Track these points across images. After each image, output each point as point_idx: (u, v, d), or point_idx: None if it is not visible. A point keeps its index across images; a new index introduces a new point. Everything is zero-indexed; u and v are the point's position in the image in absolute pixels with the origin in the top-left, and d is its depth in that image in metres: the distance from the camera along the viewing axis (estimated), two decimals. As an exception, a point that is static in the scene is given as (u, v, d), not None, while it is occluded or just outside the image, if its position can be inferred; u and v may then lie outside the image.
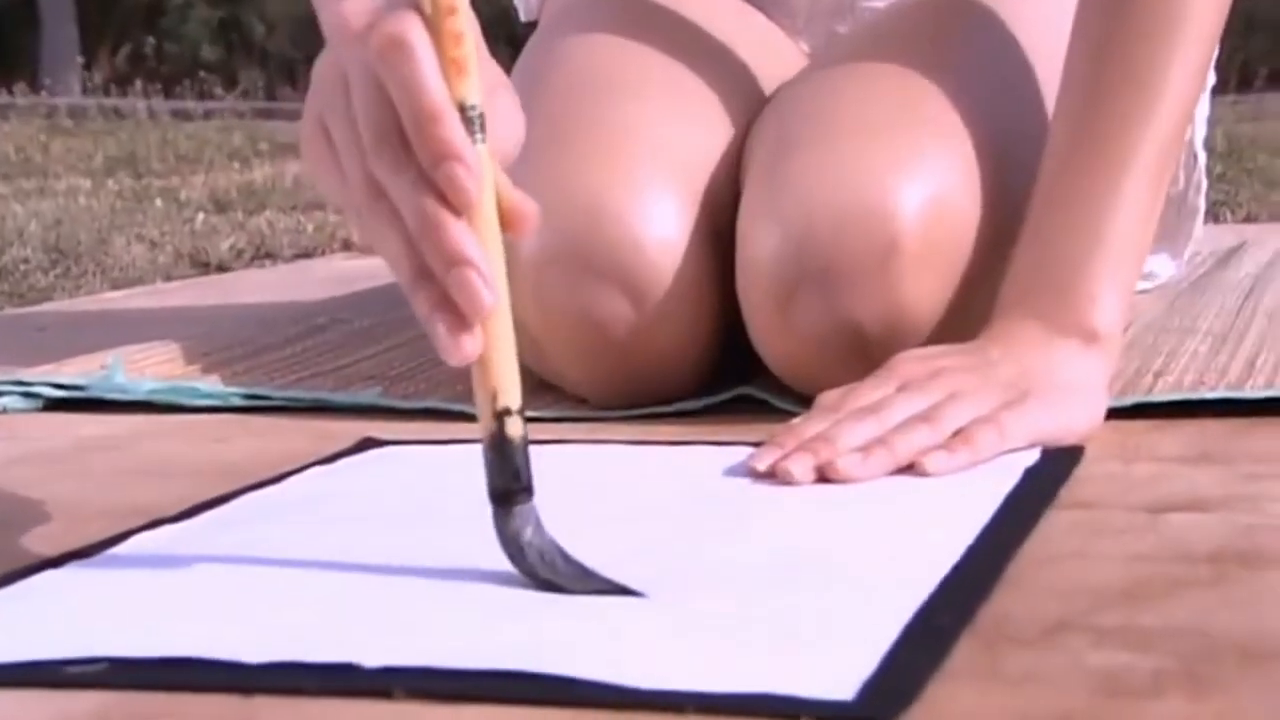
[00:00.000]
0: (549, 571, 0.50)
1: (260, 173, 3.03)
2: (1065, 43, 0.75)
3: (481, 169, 0.48)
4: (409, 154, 0.48)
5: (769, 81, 0.89)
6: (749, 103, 0.87)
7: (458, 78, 0.48)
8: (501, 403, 0.50)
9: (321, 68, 0.50)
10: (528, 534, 0.50)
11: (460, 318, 0.48)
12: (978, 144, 0.78)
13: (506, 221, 0.50)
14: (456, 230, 0.48)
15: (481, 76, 0.50)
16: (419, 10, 0.48)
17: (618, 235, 0.78)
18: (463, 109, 0.48)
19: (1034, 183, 0.73)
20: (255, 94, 7.70)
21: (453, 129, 0.48)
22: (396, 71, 0.48)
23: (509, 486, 0.50)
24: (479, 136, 0.49)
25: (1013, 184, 0.78)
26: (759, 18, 0.95)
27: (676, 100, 0.84)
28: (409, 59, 0.47)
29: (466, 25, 0.49)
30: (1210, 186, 1.01)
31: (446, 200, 0.48)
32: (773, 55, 0.92)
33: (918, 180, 0.76)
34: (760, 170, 0.79)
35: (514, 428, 0.50)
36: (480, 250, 0.48)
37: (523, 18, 1.08)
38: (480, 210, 0.49)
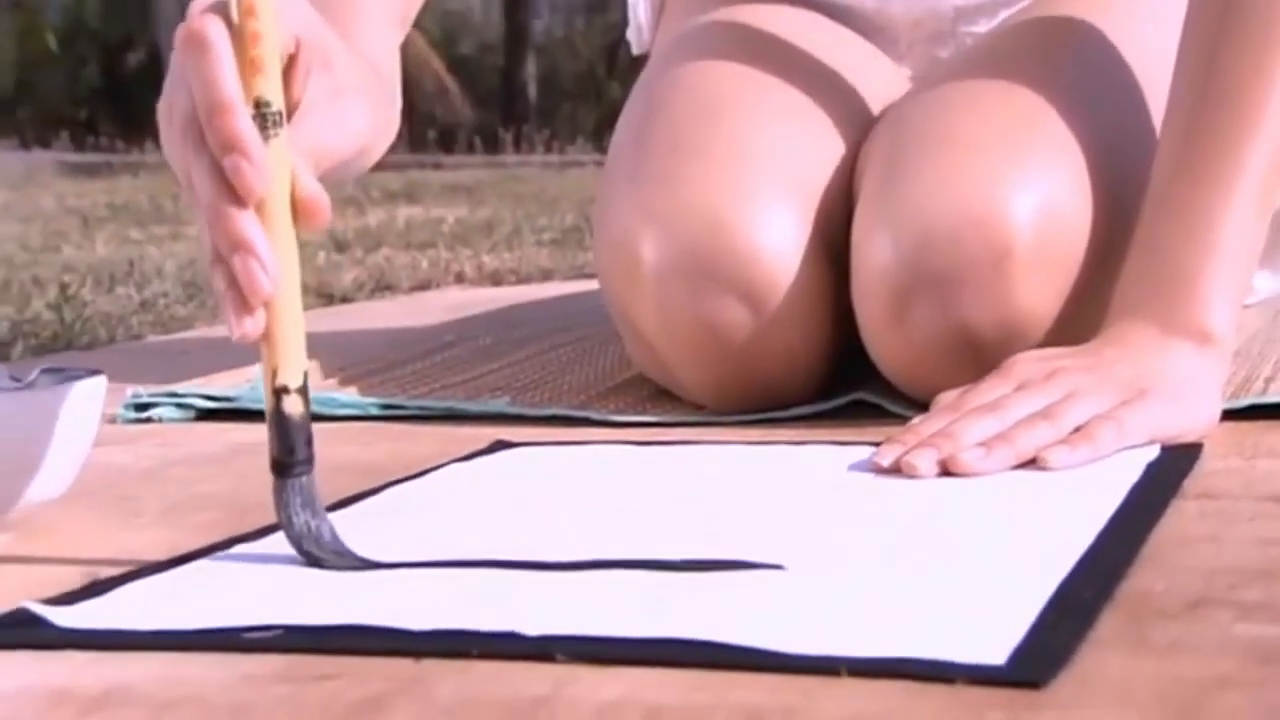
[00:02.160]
0: (311, 544, 0.51)
1: (374, 217, 3.06)
2: (1171, 54, 0.73)
3: (268, 163, 0.50)
4: (205, 142, 0.50)
5: (876, 103, 0.89)
6: (858, 122, 0.87)
7: (253, 76, 0.50)
8: (280, 380, 0.52)
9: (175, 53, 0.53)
10: (296, 504, 0.51)
11: (244, 299, 0.49)
12: (1087, 153, 0.77)
13: (299, 213, 0.51)
14: (241, 218, 0.49)
15: (332, 79, 0.53)
16: (225, 11, 0.50)
17: (736, 245, 0.78)
18: (258, 105, 0.50)
19: (1143, 190, 0.72)
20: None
21: (239, 122, 0.49)
22: (194, 65, 0.50)
23: (284, 459, 0.52)
24: (273, 132, 0.50)
25: (1122, 192, 0.76)
26: (864, 44, 0.94)
27: (790, 120, 0.84)
28: (204, 54, 0.50)
29: (267, 27, 0.51)
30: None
31: (234, 189, 0.49)
32: (878, 79, 0.92)
33: (1029, 188, 0.75)
34: (874, 182, 0.78)
35: (291, 405, 0.52)
36: (264, 239, 0.49)
37: (635, 51, 1.08)
38: (268, 201, 0.50)
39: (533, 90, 16.34)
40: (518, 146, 8.60)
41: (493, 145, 8.61)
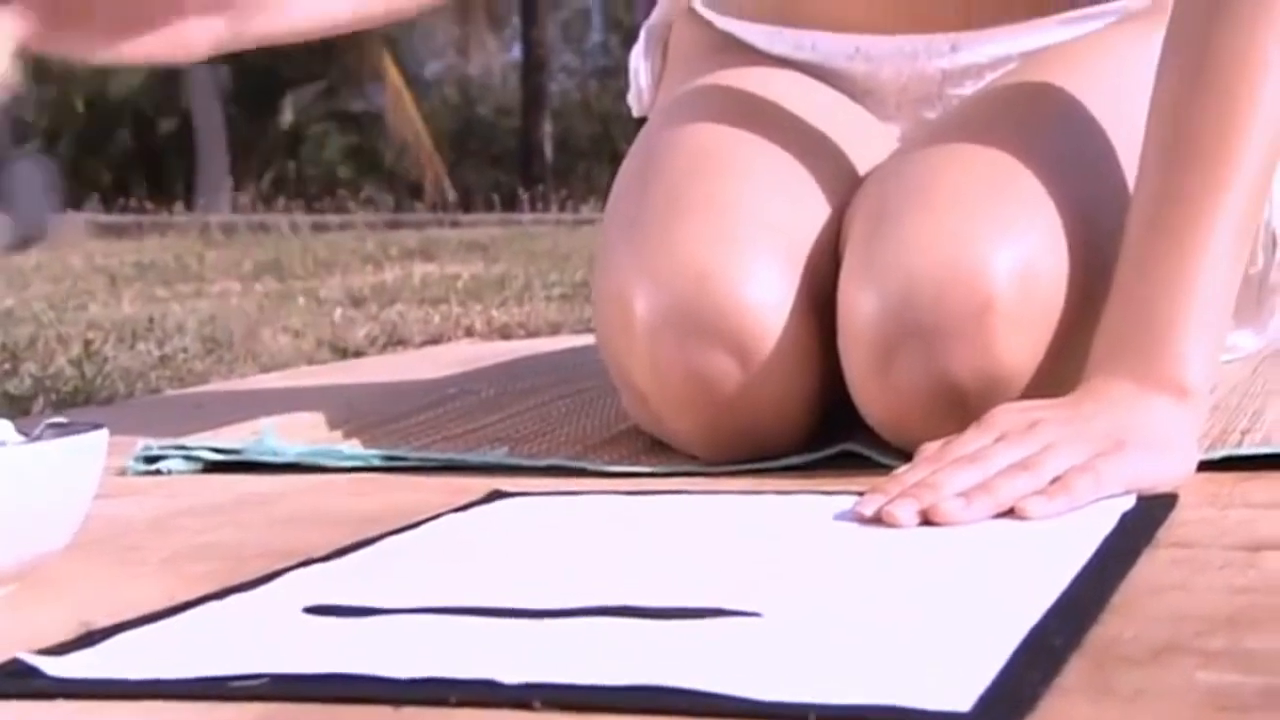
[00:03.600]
0: None
1: (391, 274, 3.08)
2: (1144, 115, 0.74)
3: None
4: None
5: (863, 163, 0.89)
6: (845, 181, 0.87)
7: None
8: None
9: None
10: None
11: None
12: (1065, 212, 0.77)
13: None
14: None
15: None
16: None
17: (725, 300, 0.78)
18: None
19: (1118, 247, 0.72)
20: (384, 209, 7.88)
21: None
22: None
23: None
24: None
25: (1099, 248, 0.76)
26: (853, 106, 0.95)
27: (779, 179, 0.85)
28: None
29: None
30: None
31: None
32: (866, 140, 0.92)
33: (1010, 245, 0.75)
34: (860, 238, 0.78)
35: None
36: None
37: (635, 113, 1.09)
38: None
39: (549, 151, 16.46)
40: (534, 206, 8.66)
41: (510, 205, 8.67)
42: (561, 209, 8.53)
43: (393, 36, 15.49)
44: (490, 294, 2.44)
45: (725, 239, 0.79)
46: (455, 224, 6.46)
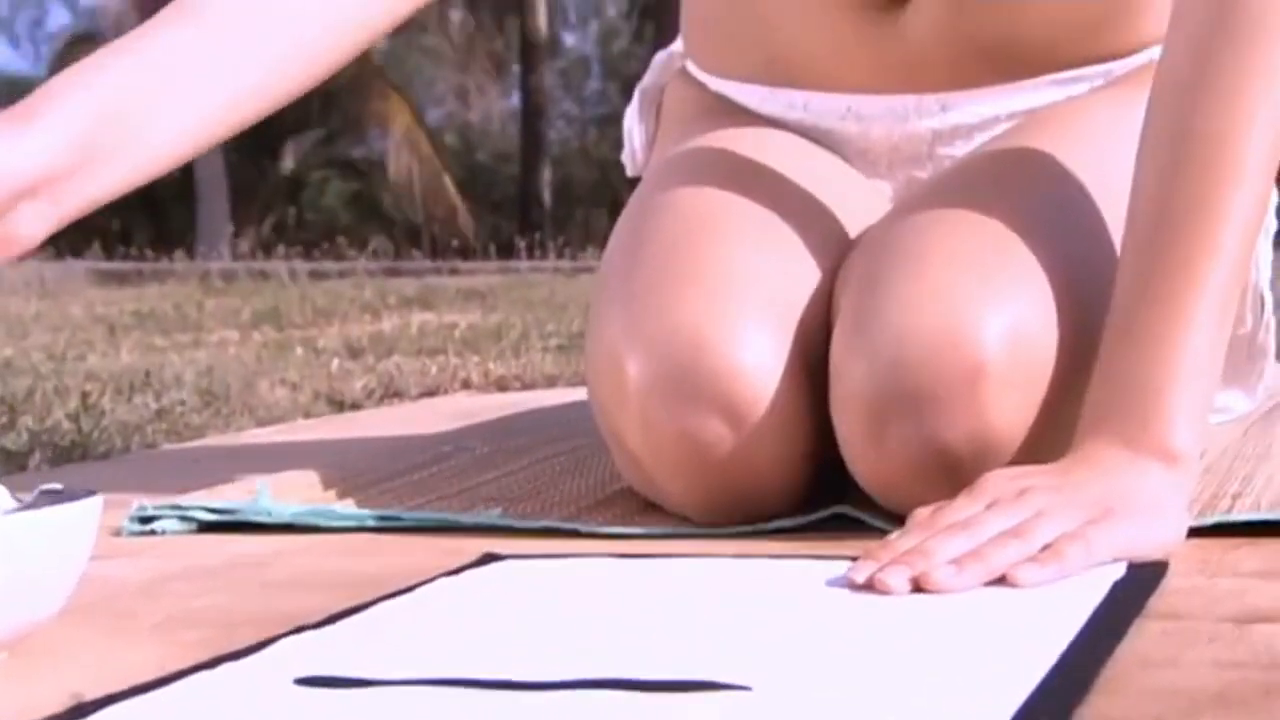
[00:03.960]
0: None
1: (389, 323, 3.09)
2: (1129, 179, 0.74)
3: None
4: None
5: (855, 224, 0.90)
6: (837, 243, 0.87)
7: None
8: None
9: None
10: None
11: None
12: (1053, 278, 0.77)
13: None
14: None
15: None
16: None
17: (717, 364, 0.78)
18: None
19: (1107, 310, 0.72)
20: (384, 255, 7.90)
21: None
22: None
23: None
24: None
25: (1089, 313, 0.77)
26: (845, 167, 0.96)
27: (771, 243, 0.85)
28: None
29: None
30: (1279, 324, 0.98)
31: None
32: (857, 200, 0.93)
33: (1000, 310, 0.75)
34: (851, 302, 0.79)
35: None
36: None
37: (629, 173, 1.10)
38: None
39: (548, 197, 16.53)
40: (531, 253, 8.70)
41: (508, 252, 8.71)
42: (559, 256, 8.57)
43: (397, 84, 15.59)
44: (487, 344, 2.44)
45: (718, 303, 0.80)
46: (454, 271, 6.48)
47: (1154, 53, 0.92)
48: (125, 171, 0.70)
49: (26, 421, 1.45)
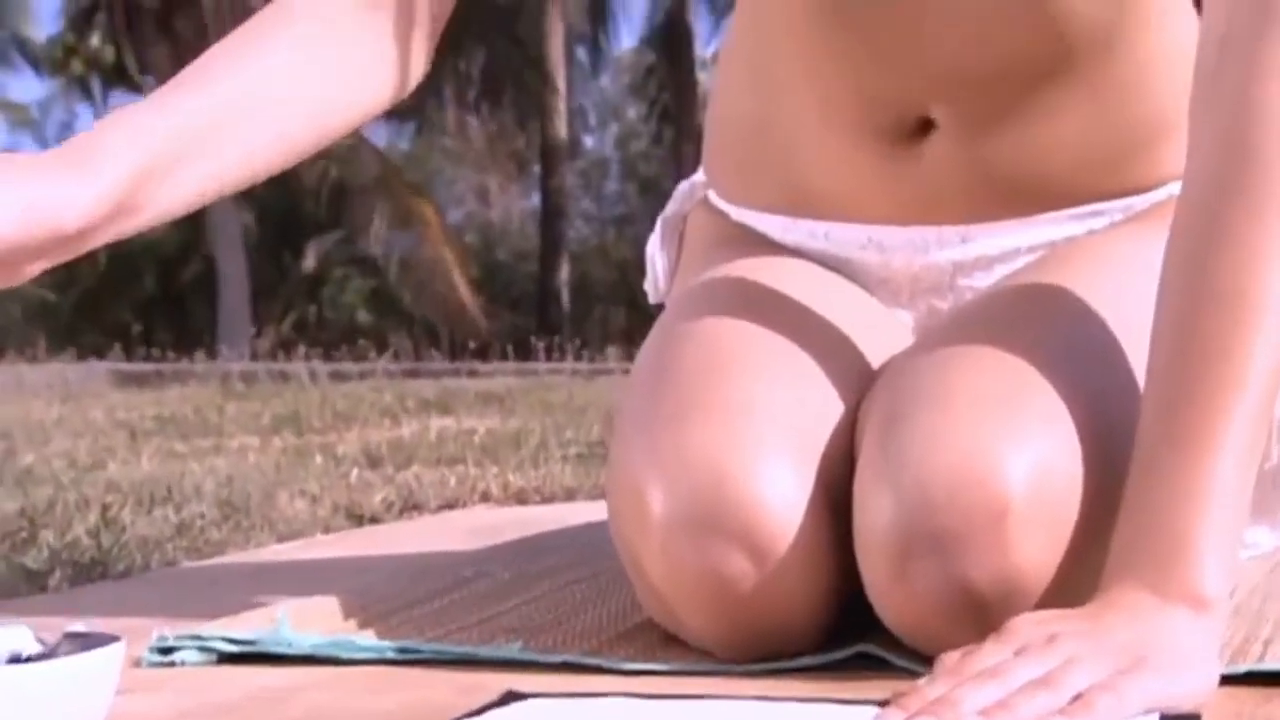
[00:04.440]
0: None
1: (408, 429, 3.09)
2: (1149, 315, 0.74)
3: None
4: None
5: (876, 354, 0.90)
6: (859, 376, 0.87)
7: None
8: None
9: None
10: None
11: None
12: (1078, 416, 0.77)
13: None
14: None
15: None
16: None
17: (741, 499, 0.78)
18: None
19: (1131, 447, 0.72)
20: (404, 355, 7.94)
21: None
22: None
23: None
24: None
25: (1112, 451, 0.76)
26: (866, 298, 0.96)
27: (794, 376, 0.85)
28: None
29: None
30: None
31: None
32: (878, 330, 0.93)
33: (1025, 449, 0.75)
34: (874, 439, 0.79)
35: None
36: None
37: (651, 300, 1.11)
38: None
39: (566, 296, 16.64)
40: (549, 355, 8.74)
41: (526, 352, 8.75)
42: (577, 358, 8.61)
43: (418, 184, 15.79)
44: (506, 452, 2.44)
45: (740, 437, 0.80)
46: (473, 373, 6.50)
47: (1174, 188, 0.92)
48: (140, 225, 0.74)
49: (48, 537, 1.45)
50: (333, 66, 0.82)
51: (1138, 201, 0.93)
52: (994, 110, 0.89)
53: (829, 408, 0.84)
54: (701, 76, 16.99)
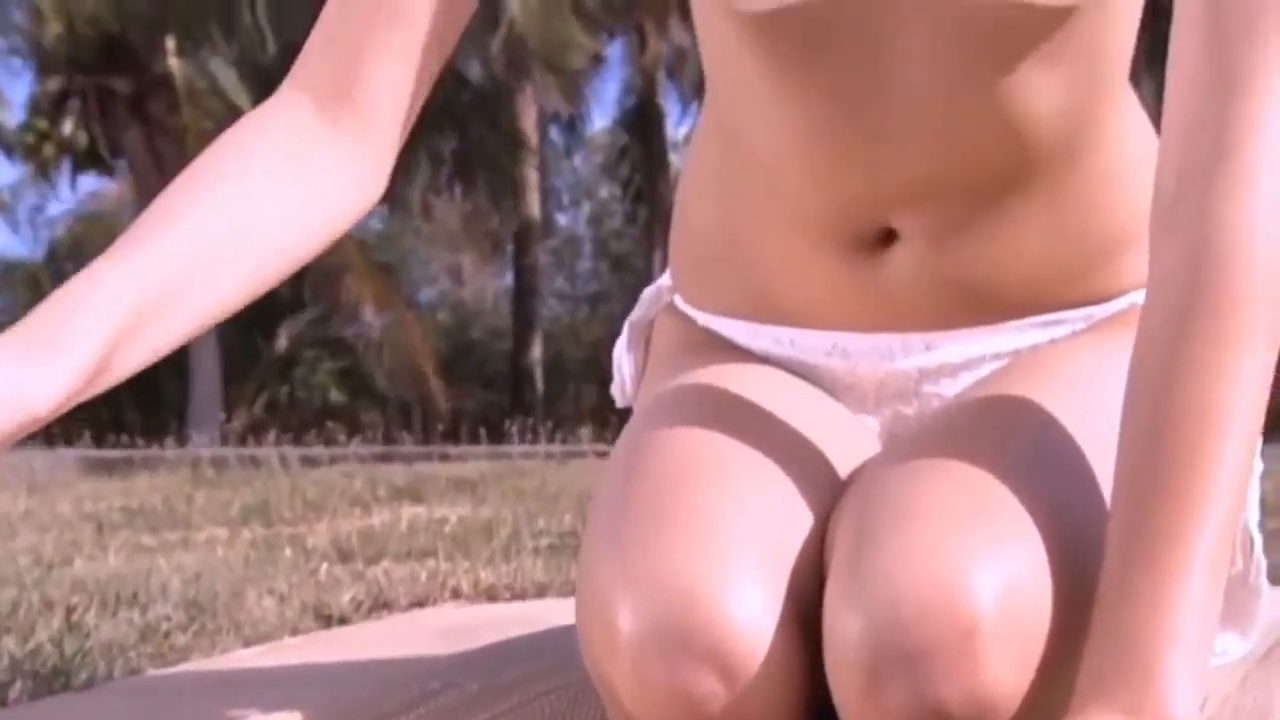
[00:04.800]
0: None
1: (379, 518, 3.07)
2: (1115, 427, 0.75)
3: None
4: None
5: (844, 463, 0.90)
6: (827, 486, 0.87)
7: None
8: None
9: None
10: None
11: None
12: (1045, 530, 0.77)
13: None
14: None
15: None
16: None
17: (710, 619, 0.77)
18: None
19: (1100, 562, 0.72)
20: (375, 437, 7.91)
21: None
22: None
23: None
24: None
25: (1082, 565, 0.76)
26: (833, 404, 0.96)
27: (760, 488, 0.85)
28: None
29: None
30: (1266, 547, 0.98)
31: None
32: (845, 437, 0.93)
33: (993, 566, 0.75)
34: (842, 558, 0.78)
35: None
36: None
37: (619, 404, 1.11)
38: None
39: (539, 375, 16.66)
40: (523, 437, 8.72)
41: (499, 435, 8.73)
42: (550, 440, 8.59)
43: (390, 264, 15.83)
44: (478, 542, 2.42)
45: (709, 554, 0.79)
46: (444, 457, 6.47)
47: (1135, 297, 0.94)
48: (112, 382, 0.74)
49: (9, 644, 1.43)
50: (300, 194, 0.82)
51: (1099, 310, 0.93)
52: (957, 220, 0.90)
53: (798, 521, 0.84)
54: (674, 158, 17.17)
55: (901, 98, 0.86)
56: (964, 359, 0.93)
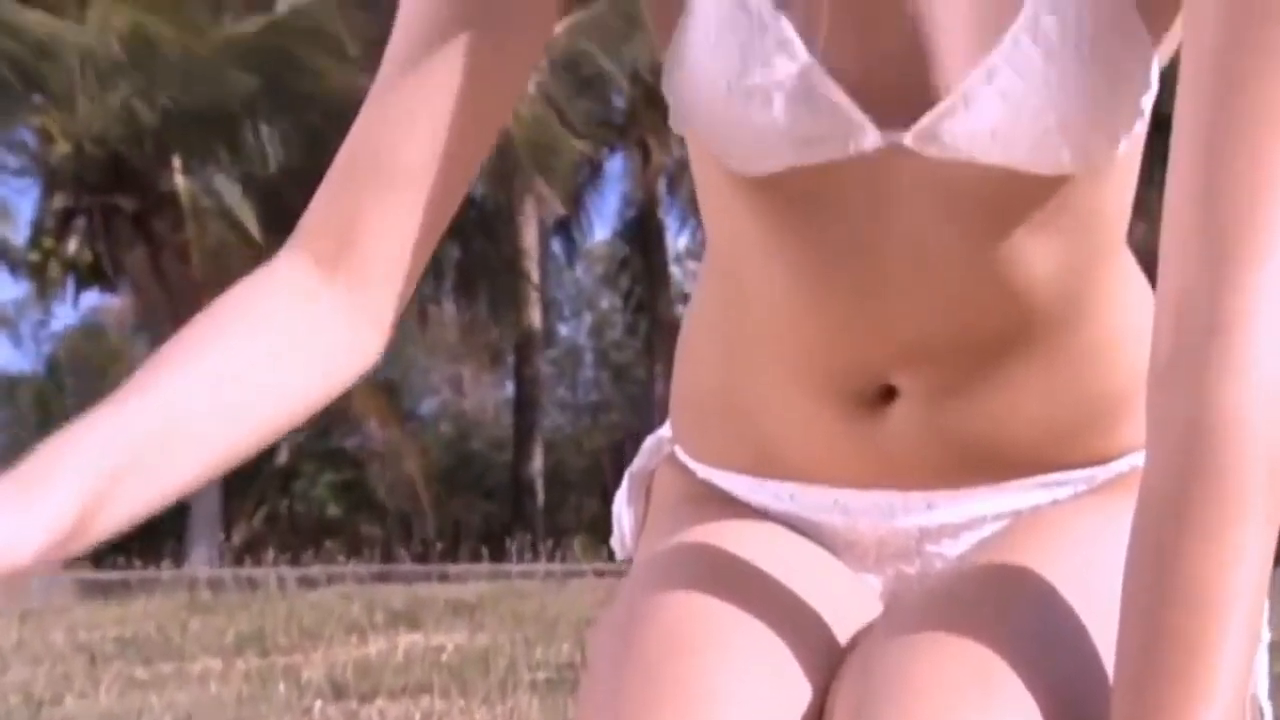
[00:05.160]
0: None
1: (375, 646, 3.03)
2: (1116, 593, 0.73)
3: None
4: None
5: (844, 628, 0.89)
6: (827, 655, 0.86)
7: None
8: None
9: None
10: None
11: None
12: (1046, 708, 0.76)
13: None
14: None
15: None
16: None
17: (710, 799, 0.75)
18: None
19: (1103, 735, 0.70)
20: (373, 555, 7.85)
21: None
22: None
23: None
24: None
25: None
26: (833, 562, 0.95)
27: (758, 658, 0.83)
28: None
29: None
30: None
31: None
32: (846, 600, 0.92)
33: (994, 745, 0.73)
34: (844, 737, 0.77)
35: None
36: None
37: (619, 556, 1.09)
38: None
39: (540, 486, 16.58)
40: (522, 556, 8.65)
41: (498, 552, 8.65)
42: (550, 558, 8.51)
43: (390, 377, 15.87)
44: (474, 674, 2.38)
45: (706, 730, 0.77)
46: (444, 577, 6.41)
47: (1135, 459, 0.93)
48: (100, 535, 0.73)
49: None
50: (299, 358, 0.81)
51: (1100, 472, 0.93)
52: (956, 379, 0.90)
53: (796, 693, 0.82)
54: (674, 269, 17.30)
55: (897, 259, 0.86)
56: (966, 519, 0.93)
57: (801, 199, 0.85)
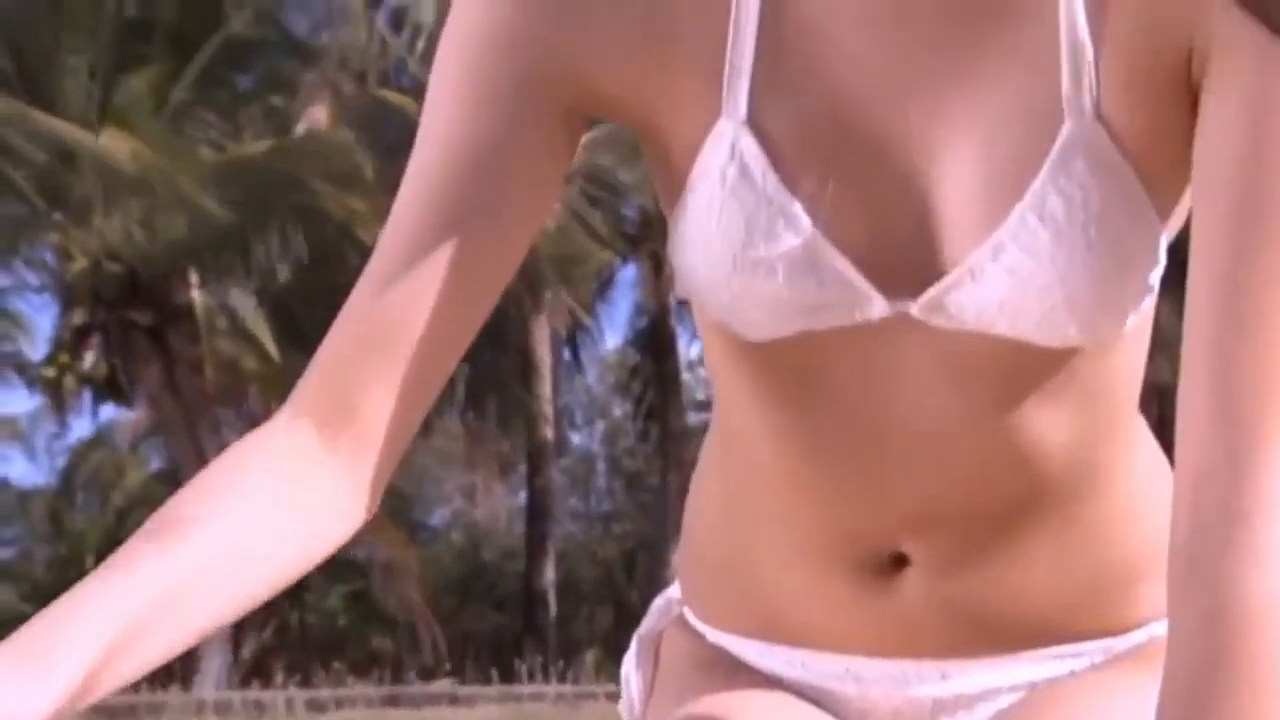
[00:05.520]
0: None
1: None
2: None
3: None
4: None
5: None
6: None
7: None
8: None
9: None
10: None
11: None
12: None
13: None
14: None
15: None
16: None
17: None
18: None
19: None
20: (383, 671, 7.75)
21: None
22: None
23: None
24: None
25: None
26: (843, 730, 0.93)
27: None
28: None
29: None
30: None
31: None
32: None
33: None
34: None
35: None
36: None
37: (626, 721, 1.07)
38: None
39: (552, 597, 16.40)
40: (532, 676, 8.52)
41: (508, 673, 8.53)
42: (562, 678, 8.38)
43: (400, 488, 15.82)
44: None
45: None
46: (453, 700, 6.32)
47: (1153, 629, 0.91)
48: (102, 694, 0.73)
49: None
50: (298, 526, 0.81)
51: (1118, 643, 0.91)
52: (967, 548, 0.89)
53: None
54: (686, 376, 17.30)
55: (902, 427, 0.86)
56: (980, 689, 0.91)
57: (804, 366, 0.85)
